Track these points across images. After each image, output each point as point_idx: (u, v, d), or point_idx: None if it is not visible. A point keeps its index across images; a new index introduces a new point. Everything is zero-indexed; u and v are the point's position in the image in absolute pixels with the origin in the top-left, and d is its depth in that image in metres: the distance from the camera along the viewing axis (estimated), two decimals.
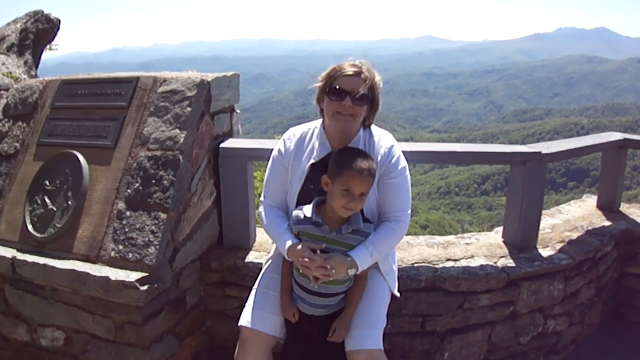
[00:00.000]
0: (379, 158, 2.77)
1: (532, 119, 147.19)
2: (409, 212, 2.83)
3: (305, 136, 2.90)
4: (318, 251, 2.60)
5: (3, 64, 6.82)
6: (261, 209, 2.97)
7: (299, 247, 2.64)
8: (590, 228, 4.37)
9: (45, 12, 8.20)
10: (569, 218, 4.64)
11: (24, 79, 6.62)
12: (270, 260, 3.09)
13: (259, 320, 2.78)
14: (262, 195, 3.01)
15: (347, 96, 2.60)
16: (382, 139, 2.86)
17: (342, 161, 2.56)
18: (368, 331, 2.70)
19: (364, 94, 2.63)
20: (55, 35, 8.47)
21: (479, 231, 4.60)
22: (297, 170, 2.84)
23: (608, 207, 4.88)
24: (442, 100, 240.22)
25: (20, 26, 7.74)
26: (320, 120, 2.91)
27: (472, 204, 79.02)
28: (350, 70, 2.65)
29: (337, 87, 2.63)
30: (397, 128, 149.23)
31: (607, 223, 4.54)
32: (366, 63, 2.72)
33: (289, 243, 2.69)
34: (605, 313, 4.56)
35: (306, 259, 2.57)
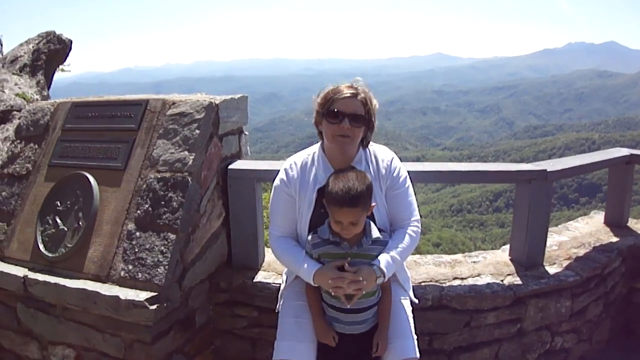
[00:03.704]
0: (383, 172, 2.85)
1: (543, 135, 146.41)
2: (419, 217, 2.90)
3: (307, 163, 2.92)
4: (347, 265, 2.61)
5: (16, 84, 6.91)
6: (272, 241, 2.95)
7: (324, 270, 2.65)
8: (597, 244, 4.37)
9: (57, 32, 8.29)
10: (576, 235, 4.64)
11: (37, 99, 6.71)
12: (288, 289, 3.06)
13: (298, 352, 2.74)
14: (270, 227, 3.00)
15: (345, 118, 2.65)
16: (381, 154, 2.93)
17: (329, 192, 2.59)
18: (403, 341, 2.73)
19: (362, 115, 2.70)
20: (67, 55, 8.55)
21: (492, 248, 4.60)
22: (304, 198, 2.84)
23: (616, 223, 4.87)
24: (453, 117, 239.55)
25: (33, 47, 7.84)
26: (317, 145, 2.96)
27: (484, 222, 78.78)
28: (347, 92, 2.70)
29: (335, 109, 2.67)
30: (408, 146, 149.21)
31: (615, 239, 4.53)
32: (362, 84, 2.78)
33: (314, 270, 2.68)
34: (614, 329, 4.53)
35: (336, 279, 2.57)
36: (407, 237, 2.78)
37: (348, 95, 2.70)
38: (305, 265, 2.72)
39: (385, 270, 2.62)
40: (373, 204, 2.68)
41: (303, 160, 2.94)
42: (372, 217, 2.79)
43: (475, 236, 67.56)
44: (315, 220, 2.79)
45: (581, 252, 4.21)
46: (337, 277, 2.57)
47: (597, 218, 5.13)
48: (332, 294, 2.68)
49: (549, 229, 4.29)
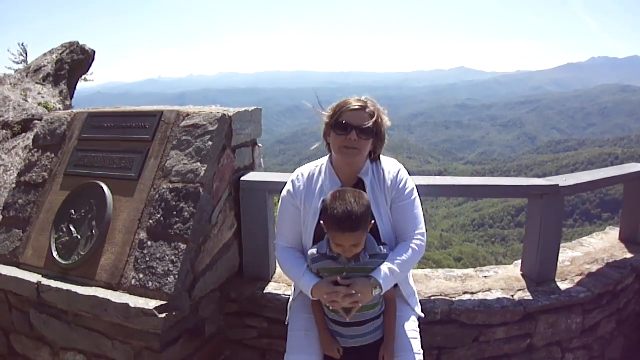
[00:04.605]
0: (389, 184, 2.85)
1: (566, 149, 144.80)
2: (424, 230, 2.89)
3: (314, 174, 2.94)
4: (339, 279, 2.61)
5: (39, 93, 7.04)
6: (278, 252, 2.98)
7: (320, 284, 2.67)
8: (611, 261, 4.32)
9: (81, 43, 8.43)
10: (590, 251, 4.59)
11: (59, 108, 6.82)
12: (296, 301, 3.08)
13: None
14: (276, 238, 3.03)
15: (353, 130, 2.67)
16: (388, 166, 2.94)
17: (329, 217, 2.57)
18: (405, 356, 2.73)
19: (369, 127, 2.71)
20: (91, 65, 8.69)
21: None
22: (310, 209, 2.86)
23: (631, 239, 4.80)
24: (476, 131, 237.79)
25: (56, 57, 7.98)
26: (326, 158, 2.97)
27: (506, 236, 78.18)
28: (355, 105, 2.72)
29: (343, 121, 2.70)
30: (431, 160, 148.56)
31: (629, 255, 4.47)
32: (371, 98, 2.81)
33: (311, 284, 2.70)
34: (627, 347, 4.47)
35: (331, 293, 2.59)
36: (409, 250, 2.76)
37: (356, 107, 2.72)
38: (305, 279, 2.74)
39: (381, 282, 2.61)
40: (372, 221, 2.67)
41: (310, 172, 2.96)
42: (375, 229, 2.79)
43: (497, 251, 67.04)
44: (320, 233, 2.79)
45: (594, 268, 4.17)
46: (331, 292, 2.59)
47: (612, 234, 5.07)
48: (330, 308, 2.70)
49: (563, 244, 4.26)
